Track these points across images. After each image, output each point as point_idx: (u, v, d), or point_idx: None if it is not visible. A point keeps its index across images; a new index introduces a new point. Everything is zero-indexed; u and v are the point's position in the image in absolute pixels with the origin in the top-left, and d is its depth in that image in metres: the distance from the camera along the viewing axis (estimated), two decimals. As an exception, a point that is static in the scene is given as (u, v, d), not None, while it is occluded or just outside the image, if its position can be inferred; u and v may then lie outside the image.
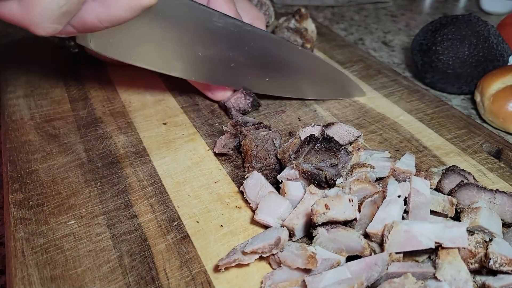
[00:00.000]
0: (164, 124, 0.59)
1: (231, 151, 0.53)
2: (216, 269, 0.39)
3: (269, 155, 0.50)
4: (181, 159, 0.53)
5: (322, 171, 0.43)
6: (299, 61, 0.62)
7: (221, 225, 0.44)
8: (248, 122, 0.55)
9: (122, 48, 0.52)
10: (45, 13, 0.35)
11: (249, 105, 0.60)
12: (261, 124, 0.54)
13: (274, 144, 0.50)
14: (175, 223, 0.44)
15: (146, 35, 0.51)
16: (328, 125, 0.54)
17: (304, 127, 0.51)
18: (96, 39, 0.50)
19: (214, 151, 0.53)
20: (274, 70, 0.61)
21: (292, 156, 0.47)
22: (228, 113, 0.61)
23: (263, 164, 0.49)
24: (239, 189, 0.48)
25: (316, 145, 0.45)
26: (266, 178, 0.46)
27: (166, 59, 0.55)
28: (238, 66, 0.58)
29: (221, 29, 0.54)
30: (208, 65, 0.57)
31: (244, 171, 0.51)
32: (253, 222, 0.44)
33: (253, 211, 0.44)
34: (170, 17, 0.51)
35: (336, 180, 0.43)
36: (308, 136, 0.47)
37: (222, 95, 0.62)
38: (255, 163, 0.49)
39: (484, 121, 0.68)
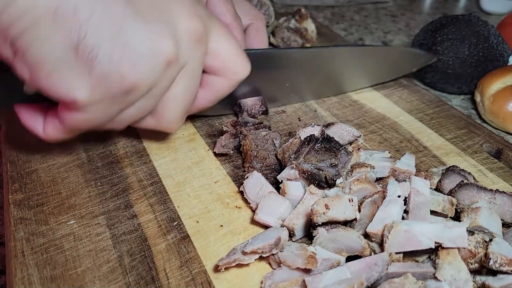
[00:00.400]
0: (164, 124, 0.59)
1: (231, 151, 0.53)
2: (216, 269, 0.39)
3: (269, 155, 0.50)
4: (181, 159, 0.53)
5: (322, 171, 0.43)
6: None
7: (221, 225, 0.44)
8: (248, 122, 0.55)
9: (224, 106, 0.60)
10: (173, 120, 0.45)
11: (260, 112, 0.60)
12: (261, 124, 0.54)
13: (274, 144, 0.50)
14: (175, 223, 0.44)
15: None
16: (328, 125, 0.54)
17: (304, 127, 0.51)
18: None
19: (214, 151, 0.53)
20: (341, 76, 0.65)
21: (292, 156, 0.47)
22: (236, 112, 0.61)
23: (263, 164, 0.49)
24: (239, 189, 0.48)
25: (316, 145, 0.45)
26: (266, 178, 0.46)
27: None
28: (312, 85, 0.64)
29: (298, 61, 0.59)
30: (283, 92, 0.63)
31: (244, 171, 0.51)
32: (253, 222, 0.44)
33: (253, 211, 0.44)
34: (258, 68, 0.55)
35: (336, 180, 0.43)
36: (308, 136, 0.47)
37: None
38: (255, 163, 0.49)
39: (484, 121, 0.68)
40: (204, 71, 0.45)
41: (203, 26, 0.41)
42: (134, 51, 0.36)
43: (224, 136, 0.53)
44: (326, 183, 0.43)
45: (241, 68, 0.46)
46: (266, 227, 0.43)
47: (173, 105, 0.43)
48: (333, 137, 0.47)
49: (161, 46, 0.37)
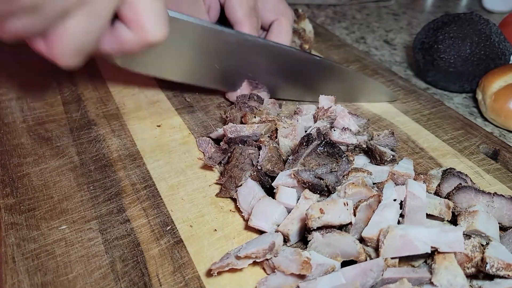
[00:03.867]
0: (158, 126, 0.58)
1: (216, 165, 0.50)
2: (209, 273, 0.38)
3: (244, 174, 0.46)
4: (175, 162, 0.52)
5: (322, 179, 0.42)
6: (316, 71, 0.62)
7: (215, 230, 0.43)
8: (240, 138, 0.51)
9: (144, 63, 0.56)
10: (63, 54, 0.41)
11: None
12: (253, 141, 0.50)
13: (252, 163, 0.47)
14: (169, 228, 0.43)
15: (164, 51, 0.55)
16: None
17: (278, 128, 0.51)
18: (121, 58, 0.54)
19: (200, 158, 0.52)
20: (291, 79, 0.62)
21: (290, 158, 0.46)
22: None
23: (236, 185, 0.46)
24: (233, 192, 0.47)
25: (318, 148, 0.44)
26: None
27: (185, 70, 0.59)
28: (256, 76, 0.61)
29: (233, 45, 0.57)
30: (226, 75, 0.60)
31: (221, 186, 0.48)
32: (248, 226, 0.43)
33: (246, 220, 0.43)
34: (184, 38, 0.54)
35: (336, 188, 0.43)
36: (305, 136, 0.46)
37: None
38: (227, 184, 0.46)
39: (486, 120, 0.68)
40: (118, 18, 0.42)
41: None
42: None
43: (214, 149, 0.51)
44: (327, 191, 0.42)
45: (154, 29, 0.42)
46: (260, 231, 0.42)
47: (66, 38, 0.40)
48: (336, 143, 0.46)
49: None
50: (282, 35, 0.62)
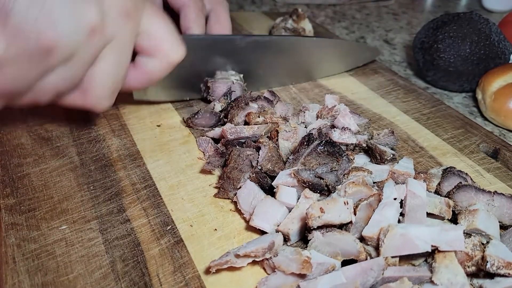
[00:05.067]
0: (158, 126, 0.58)
1: (215, 169, 0.50)
2: (207, 270, 0.38)
3: (242, 176, 0.46)
4: (175, 161, 0.52)
5: (323, 179, 0.42)
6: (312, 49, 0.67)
7: (215, 229, 0.43)
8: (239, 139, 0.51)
9: (157, 91, 0.61)
10: (100, 97, 0.44)
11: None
12: (251, 143, 0.50)
13: (252, 165, 0.46)
14: (169, 227, 0.43)
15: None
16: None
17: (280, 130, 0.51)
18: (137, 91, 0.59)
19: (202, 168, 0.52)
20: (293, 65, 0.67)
21: (290, 158, 0.46)
22: (204, 95, 0.63)
23: (234, 187, 0.46)
24: (233, 192, 0.47)
25: (318, 148, 0.44)
26: None
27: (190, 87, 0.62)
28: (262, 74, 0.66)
29: (244, 48, 0.60)
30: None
31: (218, 188, 0.48)
32: (248, 226, 0.43)
33: (247, 222, 0.43)
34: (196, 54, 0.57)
35: (336, 187, 0.43)
36: (306, 136, 0.46)
37: None
38: (225, 185, 0.46)
39: (486, 119, 0.68)
40: (137, 53, 0.45)
41: (133, 3, 0.41)
42: (55, 10, 0.35)
43: (213, 149, 0.51)
44: (327, 191, 0.42)
45: (174, 50, 0.45)
46: (261, 230, 0.42)
47: (100, 80, 0.42)
48: (336, 142, 0.46)
49: (84, 11, 0.37)
50: (221, 23, 0.63)
